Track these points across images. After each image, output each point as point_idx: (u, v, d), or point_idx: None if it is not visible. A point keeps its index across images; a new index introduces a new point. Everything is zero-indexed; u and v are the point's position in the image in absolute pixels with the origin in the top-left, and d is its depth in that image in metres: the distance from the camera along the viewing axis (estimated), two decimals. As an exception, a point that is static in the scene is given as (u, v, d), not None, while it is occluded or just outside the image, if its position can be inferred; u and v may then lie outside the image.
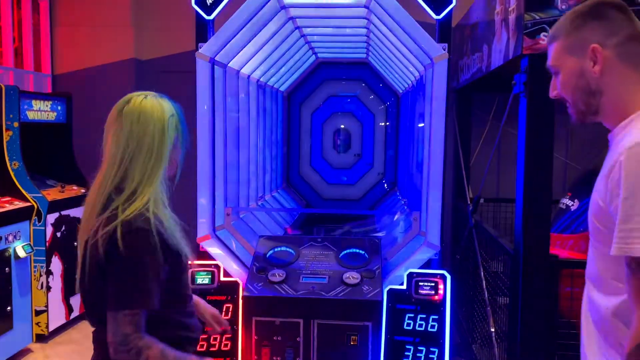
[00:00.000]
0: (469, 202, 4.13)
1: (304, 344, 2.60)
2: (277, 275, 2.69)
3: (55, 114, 4.46)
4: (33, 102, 4.19)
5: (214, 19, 2.80)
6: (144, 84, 5.35)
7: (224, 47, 2.82)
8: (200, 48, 2.76)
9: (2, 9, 4.76)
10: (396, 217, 4.11)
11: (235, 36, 2.82)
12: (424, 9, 2.70)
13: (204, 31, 2.80)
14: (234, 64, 3.23)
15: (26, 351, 3.87)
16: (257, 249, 2.86)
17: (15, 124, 3.95)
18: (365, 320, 2.58)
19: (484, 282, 3.52)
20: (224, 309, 2.66)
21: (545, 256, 2.70)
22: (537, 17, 2.65)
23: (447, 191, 4.96)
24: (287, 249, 2.85)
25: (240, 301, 2.65)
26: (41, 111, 4.29)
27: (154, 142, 1.47)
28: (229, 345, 2.63)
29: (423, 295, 2.58)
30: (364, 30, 3.65)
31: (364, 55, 4.70)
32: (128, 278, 1.36)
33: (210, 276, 2.66)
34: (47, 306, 4.06)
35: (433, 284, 2.58)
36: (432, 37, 2.74)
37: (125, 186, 1.44)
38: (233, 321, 2.66)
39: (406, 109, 4.73)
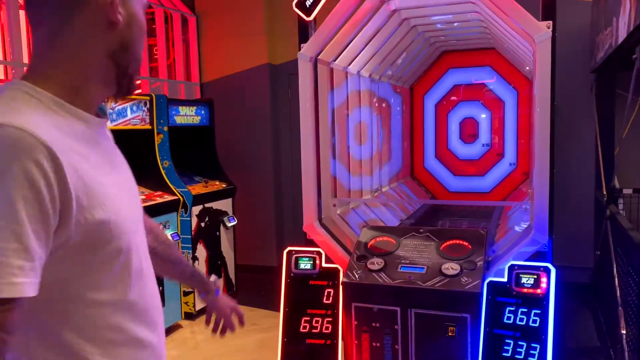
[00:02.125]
0: (604, 193, 3.76)
1: (401, 332, 2.63)
2: (375, 263, 2.75)
3: (199, 118, 5.02)
4: (180, 108, 4.76)
5: (314, 19, 2.95)
6: (277, 86, 5.75)
7: (325, 46, 2.96)
8: (302, 49, 2.93)
9: (157, 29, 5.47)
10: (525, 208, 3.89)
11: (334, 34, 2.95)
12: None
13: (305, 32, 2.97)
14: (340, 61, 3.35)
15: (176, 326, 4.43)
16: (359, 238, 2.96)
17: (165, 128, 4.54)
18: (463, 311, 2.52)
19: (616, 279, 3.20)
20: (325, 294, 2.80)
21: (675, 251, 2.39)
22: (659, -19, 2.35)
23: (584, 181, 4.58)
24: (388, 239, 2.90)
25: (340, 287, 2.77)
26: (187, 116, 4.85)
27: None
28: (329, 329, 2.77)
29: (524, 288, 2.45)
30: (476, 15, 3.53)
31: (488, 41, 4.51)
32: None
33: (312, 262, 2.83)
34: (193, 288, 4.60)
35: (535, 277, 2.43)
36: (536, 14, 2.58)
37: None
38: (334, 305, 2.79)
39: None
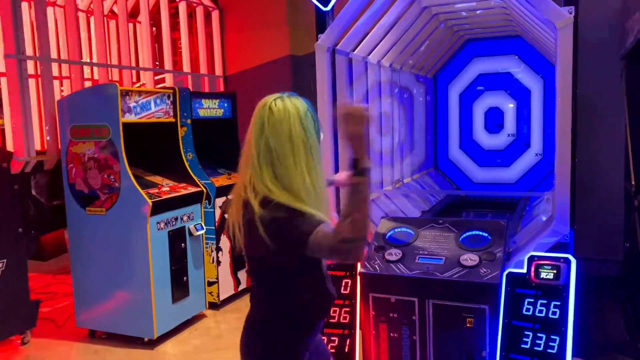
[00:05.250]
0: (632, 183, 3.65)
1: (419, 322, 2.62)
2: (393, 254, 2.74)
3: (222, 110, 5.06)
4: (203, 100, 4.81)
5: (331, 10, 2.94)
6: (300, 78, 5.75)
7: (343, 35, 2.95)
8: (319, 39, 2.92)
9: (180, 23, 5.53)
10: (546, 198, 3.82)
11: (352, 23, 2.93)
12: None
13: (323, 23, 2.96)
14: (360, 51, 3.33)
15: (200, 316, 4.50)
16: (377, 229, 2.95)
17: (188, 121, 4.59)
18: (481, 303, 2.50)
19: (643, 271, 3.12)
20: (343, 284, 2.81)
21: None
22: (687, -38, 2.26)
23: (614, 171, 4.46)
24: (407, 230, 2.89)
25: (358, 277, 2.77)
26: (210, 108, 4.90)
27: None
28: (347, 318, 2.78)
29: (543, 280, 2.41)
30: (499, 2, 3.46)
31: (514, 28, 4.41)
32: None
33: (329, 253, 2.83)
34: (217, 278, 4.67)
35: (554, 268, 2.39)
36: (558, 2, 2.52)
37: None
38: (352, 295, 2.80)
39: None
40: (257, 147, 1.64)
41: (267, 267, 1.68)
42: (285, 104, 1.66)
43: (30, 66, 4.15)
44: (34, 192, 4.08)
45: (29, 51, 4.34)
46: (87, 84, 5.00)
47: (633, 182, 3.62)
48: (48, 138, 4.17)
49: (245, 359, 1.75)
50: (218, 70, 5.92)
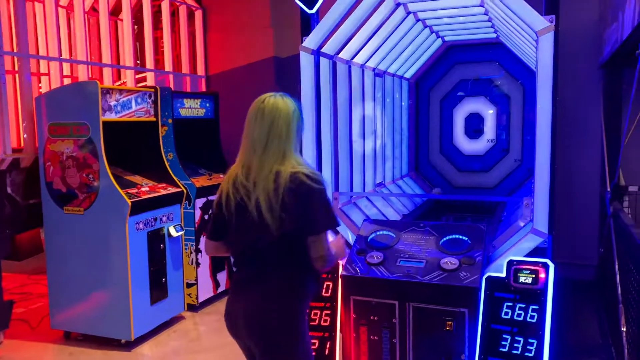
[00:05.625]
0: (608, 189, 3.73)
1: (399, 325, 2.64)
2: (375, 257, 2.76)
3: (204, 110, 5.02)
4: (184, 100, 4.77)
5: (317, 12, 2.94)
6: (283, 79, 5.75)
7: (328, 38, 2.95)
8: (303, 41, 2.92)
9: (163, 21, 5.48)
10: (525, 203, 3.87)
11: (337, 26, 2.94)
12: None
13: (308, 25, 2.97)
14: (344, 54, 3.34)
15: (179, 318, 4.46)
16: (359, 232, 2.96)
17: (170, 120, 4.55)
18: (461, 306, 2.52)
19: (617, 276, 3.19)
20: (324, 287, 2.81)
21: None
22: (664, -25, 2.32)
23: (591, 178, 4.55)
24: (388, 233, 2.90)
25: (340, 280, 2.77)
26: (192, 108, 4.86)
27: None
28: (328, 321, 2.78)
29: (522, 284, 2.44)
30: (481, 9, 3.51)
31: (494, 35, 4.48)
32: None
33: (311, 255, 2.83)
34: (196, 280, 4.62)
35: (533, 273, 2.42)
36: (540, 9, 2.56)
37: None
38: (333, 298, 2.80)
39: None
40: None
41: (297, 233, 1.90)
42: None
43: (7, 62, 4.07)
44: (9, 190, 4.00)
45: (6, 47, 4.25)
46: (67, 81, 4.92)
47: (609, 189, 3.70)
48: (25, 135, 4.09)
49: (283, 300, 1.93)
50: (200, 70, 5.88)
